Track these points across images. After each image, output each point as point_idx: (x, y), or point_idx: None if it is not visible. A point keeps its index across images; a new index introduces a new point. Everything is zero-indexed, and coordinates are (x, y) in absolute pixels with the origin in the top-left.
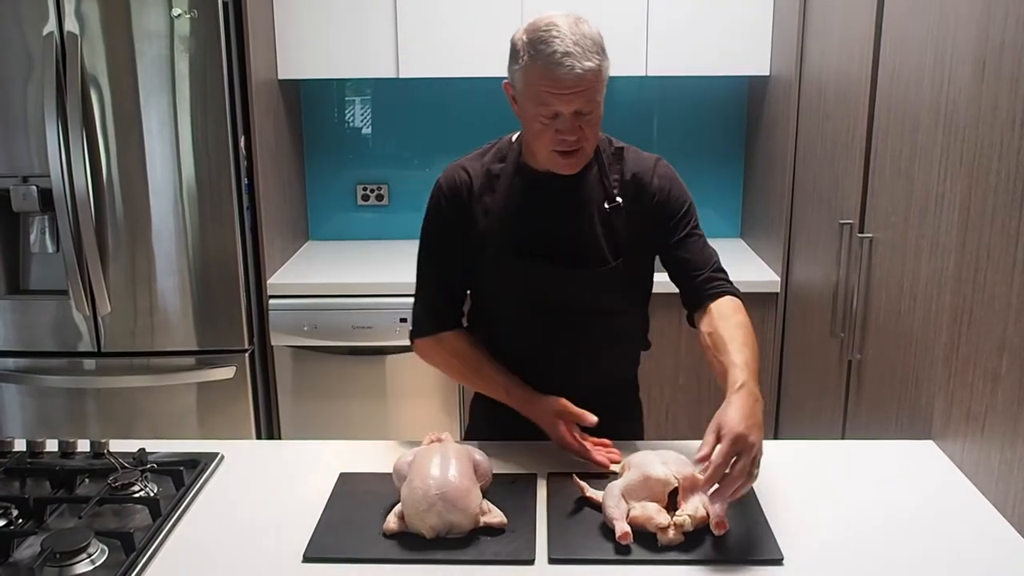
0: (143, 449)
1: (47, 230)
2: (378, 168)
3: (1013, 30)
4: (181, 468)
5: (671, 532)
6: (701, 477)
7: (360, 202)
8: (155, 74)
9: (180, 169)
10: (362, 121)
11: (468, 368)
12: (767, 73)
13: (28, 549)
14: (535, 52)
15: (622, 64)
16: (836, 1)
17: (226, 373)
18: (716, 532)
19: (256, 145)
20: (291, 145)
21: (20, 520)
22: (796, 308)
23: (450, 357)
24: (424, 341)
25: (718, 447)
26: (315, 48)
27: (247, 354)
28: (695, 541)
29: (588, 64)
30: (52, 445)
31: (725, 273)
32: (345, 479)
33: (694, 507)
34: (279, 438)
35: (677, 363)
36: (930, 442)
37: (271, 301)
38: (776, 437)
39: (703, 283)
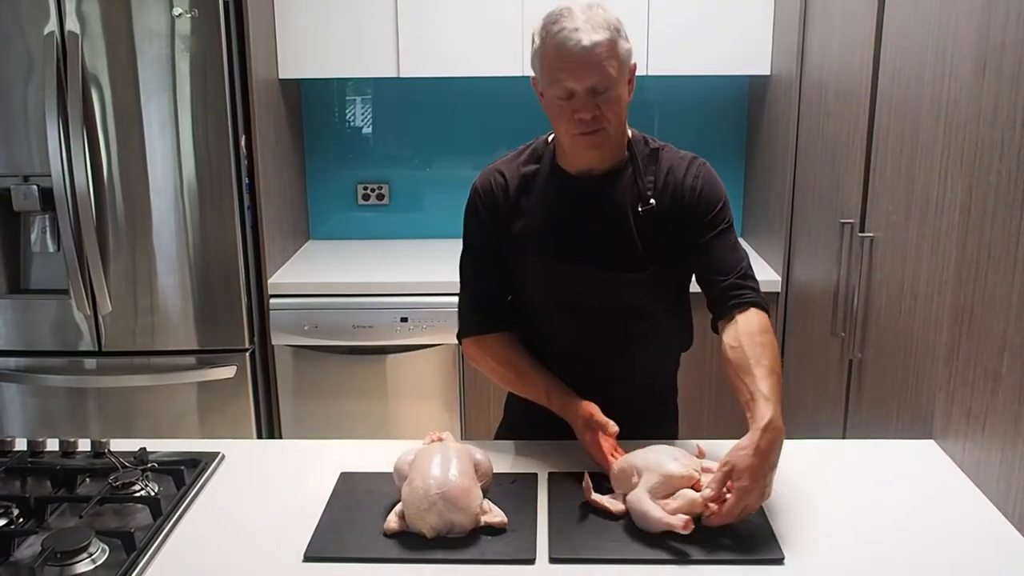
0: (144, 448)
1: (48, 229)
2: (379, 167)
3: (1014, 29)
4: (182, 467)
5: (712, 506)
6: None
7: (361, 201)
8: (156, 73)
9: (181, 168)
10: (363, 120)
11: (509, 372)
12: (768, 73)
13: (29, 548)
14: (547, 34)
15: None
16: (837, 0)
17: (227, 372)
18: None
19: (257, 144)
20: (292, 144)
21: (21, 519)
22: (797, 307)
23: (491, 361)
24: (468, 342)
25: (729, 498)
26: (316, 47)
27: (248, 353)
28: (696, 541)
29: (596, 37)
30: (53, 444)
31: (754, 280)
32: (345, 478)
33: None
34: (280, 437)
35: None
36: (931, 442)
37: (272, 300)
38: None
39: (728, 289)
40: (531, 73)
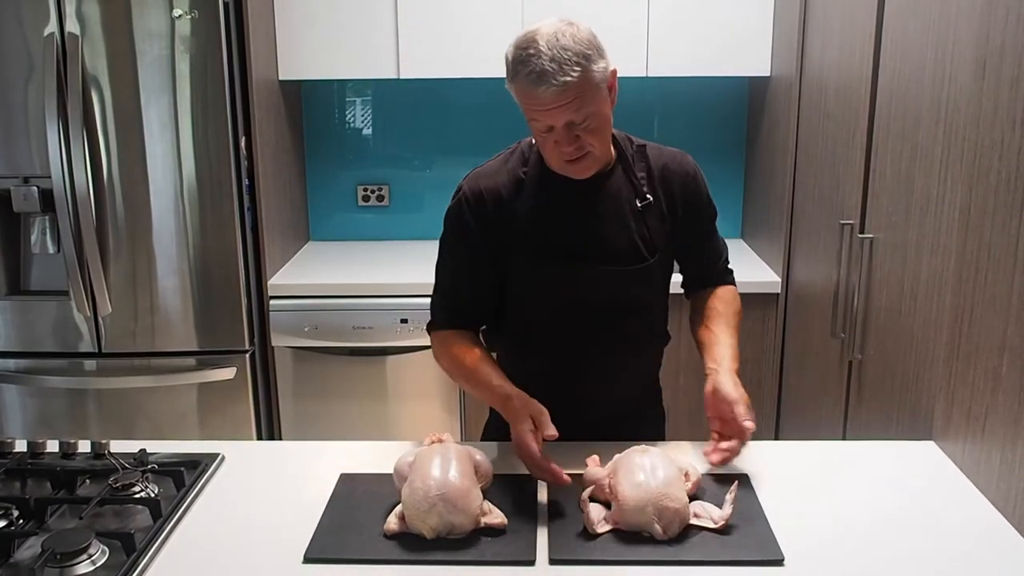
0: (144, 450)
1: (48, 231)
2: (379, 169)
3: (1014, 30)
4: (182, 469)
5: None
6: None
7: (361, 203)
8: (156, 74)
9: (181, 169)
10: (363, 122)
11: (465, 366)
12: (768, 74)
13: (29, 550)
14: (516, 72)
15: (622, 65)
16: (836, 1)
17: (227, 374)
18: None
19: (257, 145)
20: (292, 145)
21: (21, 521)
22: (797, 308)
23: (450, 354)
24: (433, 336)
25: (742, 412)
26: (316, 48)
27: (248, 355)
28: (695, 542)
29: (565, 79)
30: (53, 446)
31: (731, 270)
32: (346, 480)
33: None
34: (280, 439)
35: (677, 364)
36: (931, 442)
37: (272, 302)
38: (777, 437)
39: (715, 275)
40: None
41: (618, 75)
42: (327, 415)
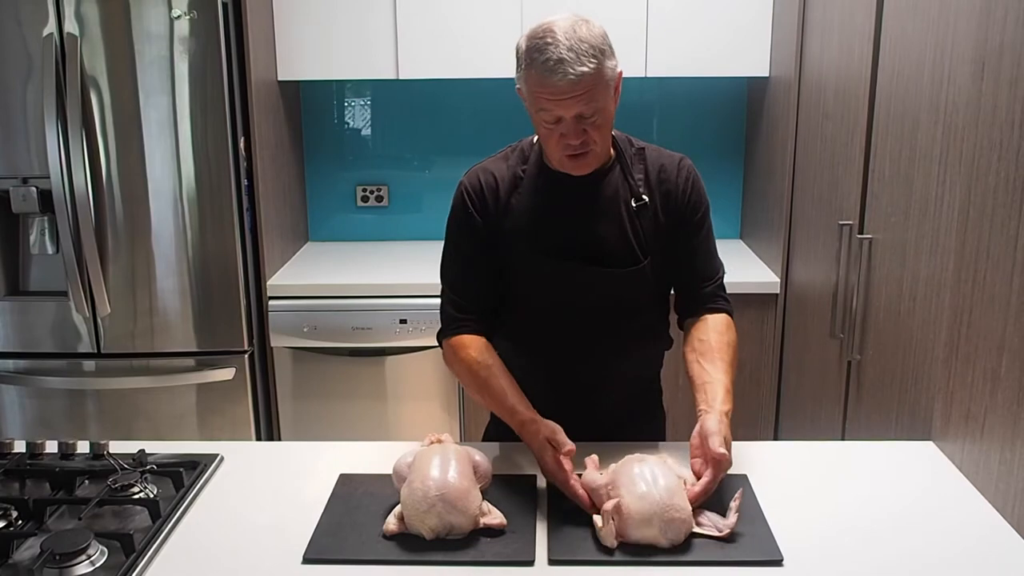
0: (143, 450)
1: (47, 231)
2: (378, 169)
3: (1012, 30)
4: (181, 469)
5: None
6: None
7: (360, 203)
8: (155, 75)
9: (180, 170)
10: (362, 122)
11: (478, 379)
12: (767, 74)
13: (28, 550)
14: (531, 61)
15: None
16: (835, 2)
17: (226, 374)
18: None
19: (256, 146)
20: (291, 146)
21: (20, 521)
22: (796, 309)
23: (464, 365)
24: (446, 344)
25: (715, 443)
26: (315, 49)
27: (247, 355)
28: (695, 542)
29: (582, 69)
30: (52, 446)
31: (725, 291)
32: (345, 480)
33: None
34: (279, 439)
35: (676, 364)
36: (930, 443)
37: (271, 302)
38: (776, 438)
39: (706, 296)
40: None
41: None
42: (326, 416)
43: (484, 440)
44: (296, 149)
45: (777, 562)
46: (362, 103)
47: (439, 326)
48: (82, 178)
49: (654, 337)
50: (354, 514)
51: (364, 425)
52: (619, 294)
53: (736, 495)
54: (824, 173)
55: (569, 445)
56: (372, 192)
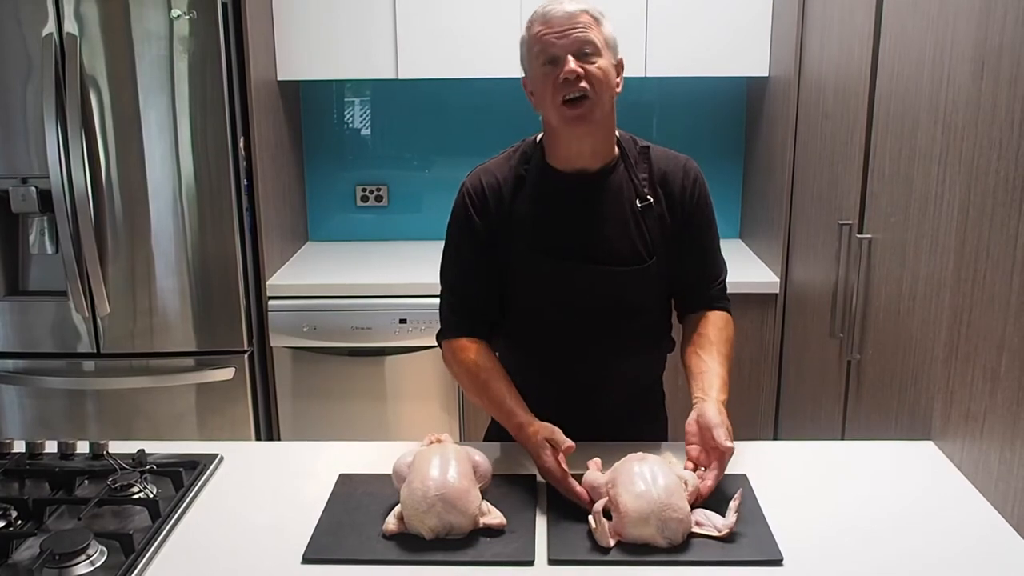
0: (142, 450)
1: (46, 231)
2: (377, 169)
3: (1012, 30)
4: (180, 469)
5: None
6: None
7: (359, 203)
8: (154, 75)
9: (179, 170)
10: (361, 122)
11: (478, 381)
12: (766, 74)
13: (27, 550)
14: (534, 15)
15: None
16: (835, 1)
17: (225, 374)
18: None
19: (255, 146)
20: (290, 146)
21: (19, 521)
22: (795, 309)
23: (463, 366)
24: (445, 345)
25: (721, 435)
26: (314, 49)
27: (246, 355)
28: (694, 542)
29: (580, 6)
30: (51, 446)
31: (727, 291)
32: (344, 480)
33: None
34: (278, 439)
35: (676, 364)
36: (929, 443)
37: (270, 302)
38: (775, 437)
39: (710, 297)
40: None
41: None
42: (326, 415)
43: (485, 440)
44: (296, 149)
45: (777, 562)
46: (362, 103)
47: (439, 326)
48: (82, 178)
49: (655, 338)
50: (354, 514)
51: (364, 425)
52: (622, 294)
53: (736, 495)
54: (824, 173)
55: (568, 442)
56: (372, 192)
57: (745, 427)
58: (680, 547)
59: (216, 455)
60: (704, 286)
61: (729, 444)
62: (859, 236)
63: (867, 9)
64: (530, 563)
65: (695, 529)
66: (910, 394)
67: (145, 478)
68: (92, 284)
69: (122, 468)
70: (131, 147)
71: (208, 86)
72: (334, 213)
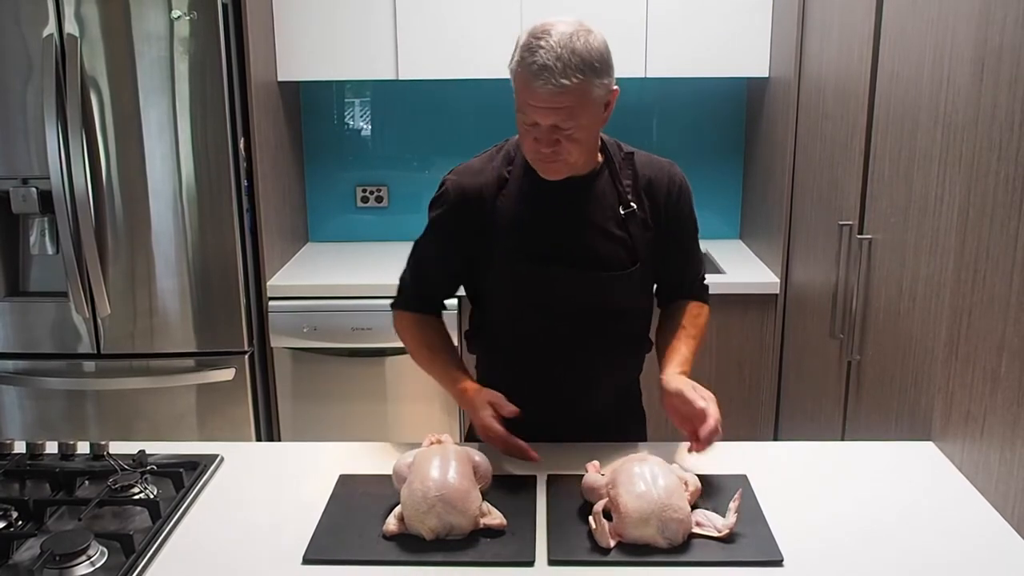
0: (143, 451)
1: (47, 232)
2: (378, 170)
3: (1012, 31)
4: (181, 470)
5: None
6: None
7: (360, 204)
8: (155, 76)
9: (180, 171)
10: (362, 123)
11: (424, 350)
12: (766, 74)
13: (28, 551)
14: (521, 58)
15: (622, 66)
16: (835, 2)
17: (226, 375)
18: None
19: (256, 147)
20: (291, 147)
21: (20, 522)
22: (795, 309)
23: (414, 336)
24: (398, 314)
25: (692, 396)
26: (315, 50)
27: (247, 356)
28: (695, 543)
29: (564, 82)
30: (52, 447)
31: (705, 284)
32: (345, 481)
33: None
34: (279, 440)
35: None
36: (929, 443)
37: (271, 303)
38: (776, 438)
39: (688, 292)
40: None
41: (617, 76)
42: (326, 416)
43: (467, 439)
44: (296, 149)
45: (777, 562)
46: (362, 103)
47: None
48: (82, 179)
49: (637, 341)
50: (354, 515)
51: (364, 426)
52: (605, 299)
53: (735, 495)
54: (824, 173)
55: (511, 407)
56: (372, 192)
57: (745, 427)
58: (680, 548)
59: (216, 456)
60: (686, 285)
61: (701, 403)
62: (859, 237)
63: (867, 10)
64: (530, 563)
65: (695, 529)
66: (910, 395)
67: (145, 479)
68: (92, 285)
69: (122, 469)
70: (131, 148)
71: (208, 87)
72: (334, 214)
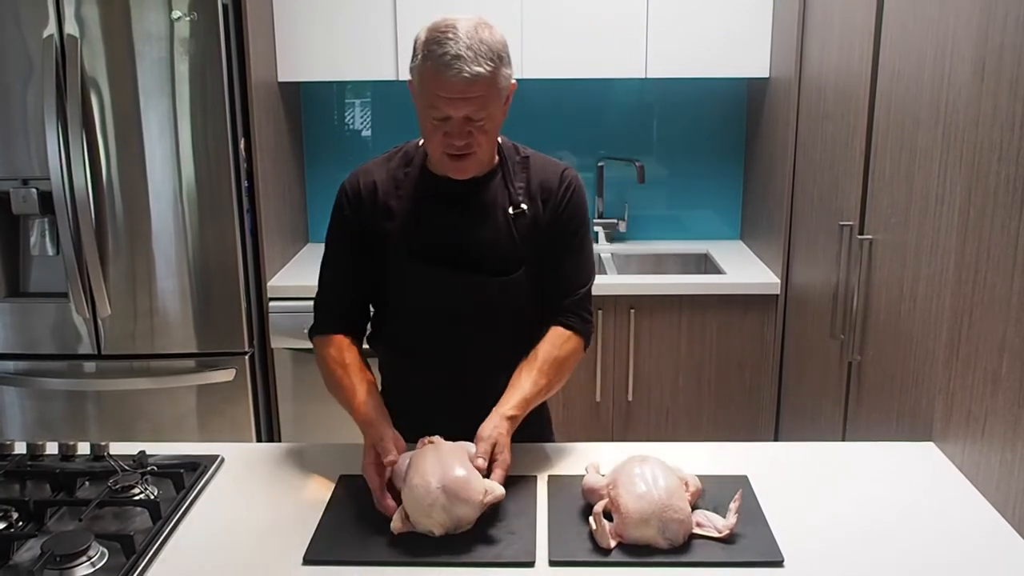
0: (143, 452)
1: (47, 233)
2: None
3: (1012, 31)
4: (181, 470)
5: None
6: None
7: None
8: (155, 76)
9: (180, 171)
10: (362, 123)
11: (336, 372)
12: (767, 75)
13: (28, 552)
14: (428, 52)
15: (622, 66)
16: (835, 2)
17: (226, 375)
18: None
19: (256, 147)
20: (291, 147)
21: (20, 523)
22: (796, 310)
23: (326, 359)
24: (315, 340)
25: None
26: (315, 50)
27: (247, 356)
28: (695, 543)
29: (478, 69)
30: (52, 448)
31: (586, 309)
32: (345, 481)
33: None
34: (279, 440)
35: (676, 365)
36: (930, 444)
37: (271, 303)
38: (776, 439)
39: (561, 309)
40: (528, 75)
41: (618, 77)
42: (326, 417)
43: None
44: (296, 150)
45: (778, 563)
46: (362, 104)
47: None
48: (82, 179)
49: (531, 341)
50: (354, 515)
51: None
52: (491, 301)
53: (736, 496)
54: (824, 174)
55: (391, 455)
56: None
57: (746, 428)
58: (681, 548)
59: (217, 456)
60: (560, 297)
61: (480, 462)
62: (860, 237)
63: (867, 10)
64: (531, 564)
65: (696, 530)
66: (911, 395)
67: (146, 479)
68: (93, 285)
69: (123, 469)
70: (132, 148)
71: (209, 87)
72: None
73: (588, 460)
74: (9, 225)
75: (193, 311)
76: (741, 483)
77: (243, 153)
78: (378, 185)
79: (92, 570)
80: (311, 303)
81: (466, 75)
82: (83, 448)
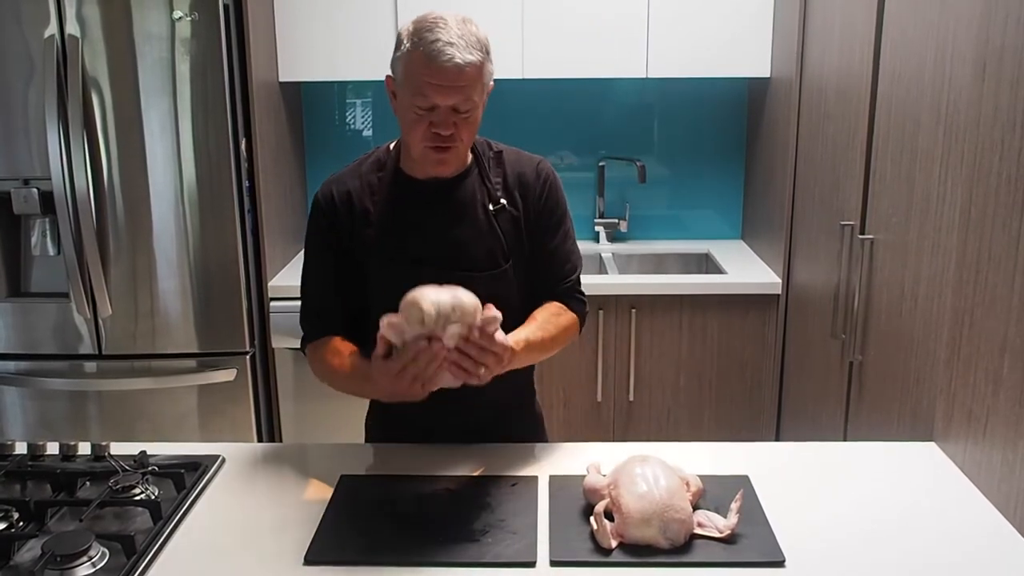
0: (144, 452)
1: (48, 233)
2: None
3: (1013, 32)
4: (182, 471)
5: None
6: None
7: None
8: (156, 76)
9: (181, 171)
10: (363, 123)
11: (335, 359)
12: (767, 75)
13: (29, 552)
14: (418, 40)
15: (623, 66)
16: (836, 2)
17: (227, 375)
18: None
19: (257, 147)
20: (292, 147)
21: (21, 523)
22: (797, 310)
23: (323, 358)
24: (308, 350)
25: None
26: (316, 50)
27: (248, 356)
28: (696, 543)
29: (469, 57)
30: (53, 448)
31: (580, 291)
32: (346, 481)
33: None
34: (280, 440)
35: (678, 365)
36: (931, 444)
37: (272, 303)
38: (777, 438)
39: (558, 294)
40: (528, 75)
41: (619, 77)
42: (327, 417)
43: (367, 439)
44: (297, 150)
45: (779, 563)
46: (364, 104)
47: None
48: (83, 179)
49: None
50: (355, 516)
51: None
52: (484, 296)
53: (737, 496)
54: (825, 174)
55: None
56: None
57: (747, 428)
58: (682, 548)
59: (218, 456)
60: (554, 284)
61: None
62: (861, 237)
63: (868, 10)
64: (532, 564)
65: (697, 530)
66: (912, 395)
67: (147, 479)
68: (94, 285)
69: (124, 469)
70: (133, 148)
71: (210, 87)
72: None
73: (589, 460)
74: (10, 225)
75: (194, 311)
76: (742, 483)
77: (244, 153)
78: (352, 193)
79: (93, 570)
80: None
81: (458, 61)
82: (84, 448)
